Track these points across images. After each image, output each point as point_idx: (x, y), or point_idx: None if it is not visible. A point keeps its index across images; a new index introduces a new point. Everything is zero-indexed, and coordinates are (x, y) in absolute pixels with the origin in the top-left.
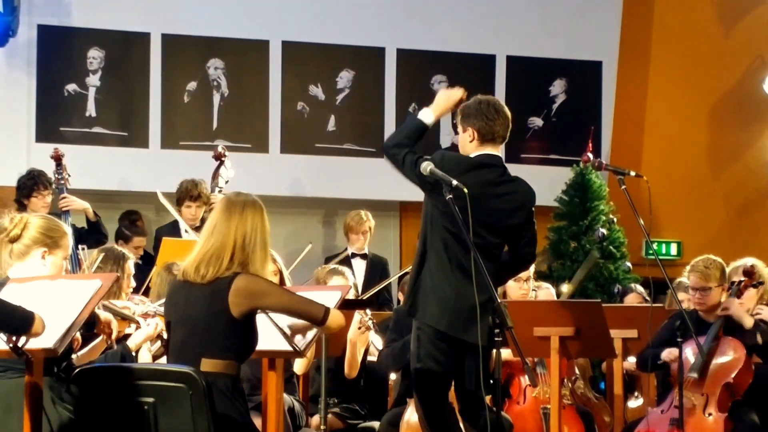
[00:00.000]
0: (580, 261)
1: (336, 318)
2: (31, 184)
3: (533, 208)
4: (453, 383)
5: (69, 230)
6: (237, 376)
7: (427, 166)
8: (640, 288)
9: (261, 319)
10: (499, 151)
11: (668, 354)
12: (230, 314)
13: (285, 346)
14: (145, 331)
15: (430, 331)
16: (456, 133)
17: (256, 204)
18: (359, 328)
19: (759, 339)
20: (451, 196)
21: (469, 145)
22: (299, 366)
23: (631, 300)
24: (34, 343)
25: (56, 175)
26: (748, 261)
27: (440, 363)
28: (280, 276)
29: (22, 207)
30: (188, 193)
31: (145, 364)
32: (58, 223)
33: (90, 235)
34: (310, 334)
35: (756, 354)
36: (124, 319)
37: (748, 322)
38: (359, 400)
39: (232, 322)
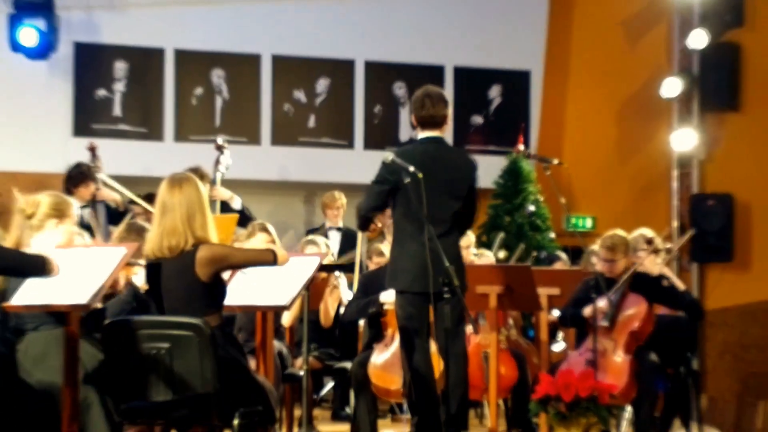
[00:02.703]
0: (512, 232)
1: (282, 255)
2: (81, 177)
3: (474, 181)
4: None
5: (74, 201)
6: (223, 323)
7: (389, 156)
8: (564, 256)
9: (251, 279)
10: (441, 132)
11: (589, 311)
12: (200, 281)
13: (274, 303)
14: None
15: (405, 294)
16: (413, 128)
17: (190, 179)
18: (327, 286)
19: (665, 283)
20: (409, 179)
21: (418, 131)
22: (286, 319)
23: (559, 266)
24: (72, 300)
25: (91, 164)
26: (646, 232)
27: (414, 317)
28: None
29: (69, 193)
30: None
31: (161, 317)
32: (64, 198)
33: (121, 218)
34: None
35: (660, 302)
36: (129, 264)
37: (655, 270)
38: (334, 346)
39: (203, 287)
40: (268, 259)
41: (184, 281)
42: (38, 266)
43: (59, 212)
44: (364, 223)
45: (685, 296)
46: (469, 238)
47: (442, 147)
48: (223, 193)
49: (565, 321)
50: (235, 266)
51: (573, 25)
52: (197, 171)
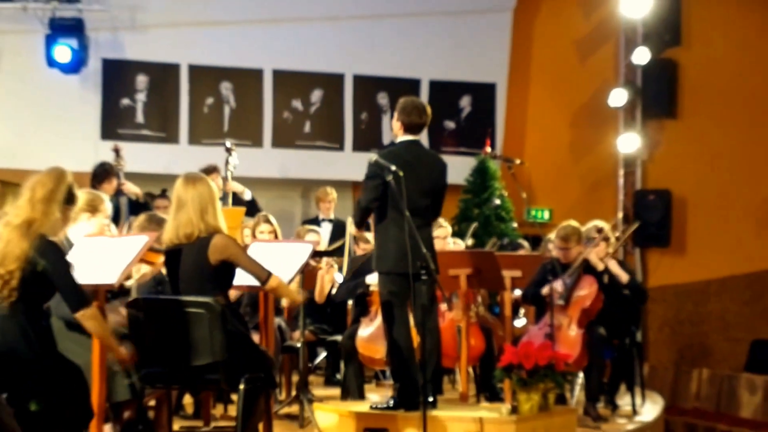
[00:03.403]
0: (480, 223)
1: (274, 282)
2: (105, 174)
3: (444, 179)
4: (411, 306)
5: (106, 197)
6: (228, 302)
7: (373, 157)
8: (526, 244)
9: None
10: (419, 137)
11: (547, 290)
12: (210, 265)
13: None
14: None
15: (387, 274)
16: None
17: (203, 178)
18: (322, 266)
19: (605, 279)
20: (391, 177)
21: (398, 132)
22: (285, 298)
23: (522, 252)
24: (102, 281)
25: (115, 162)
26: (598, 223)
27: (396, 294)
28: (275, 234)
29: (95, 189)
30: (208, 172)
31: (178, 297)
32: (97, 195)
33: (141, 209)
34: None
35: (603, 292)
36: (157, 251)
37: (600, 266)
38: (327, 321)
39: (213, 270)
40: (262, 277)
41: (197, 264)
42: (80, 303)
43: (92, 207)
44: (364, 214)
45: (630, 283)
46: (446, 230)
47: (420, 149)
48: (235, 187)
49: (527, 299)
50: (238, 266)
51: (533, 43)
52: (212, 167)
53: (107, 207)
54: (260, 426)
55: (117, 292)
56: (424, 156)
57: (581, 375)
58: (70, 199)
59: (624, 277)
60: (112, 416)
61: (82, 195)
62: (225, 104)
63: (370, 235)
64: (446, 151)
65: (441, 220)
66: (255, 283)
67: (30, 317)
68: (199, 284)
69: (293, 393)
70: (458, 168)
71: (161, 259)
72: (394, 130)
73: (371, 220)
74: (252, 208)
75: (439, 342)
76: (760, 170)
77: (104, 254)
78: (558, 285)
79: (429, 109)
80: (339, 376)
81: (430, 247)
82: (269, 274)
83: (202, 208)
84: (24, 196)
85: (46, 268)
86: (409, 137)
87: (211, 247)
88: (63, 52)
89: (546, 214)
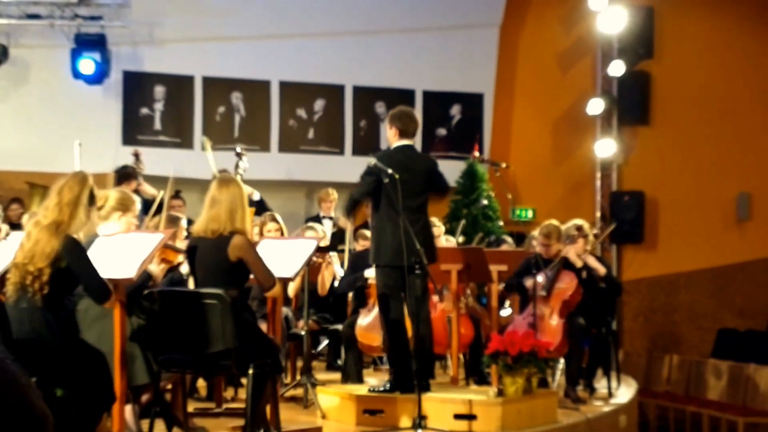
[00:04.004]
0: (469, 222)
1: (276, 290)
2: (126, 177)
3: (437, 170)
4: (406, 298)
5: (137, 199)
6: (240, 295)
7: (372, 161)
8: (510, 240)
9: (265, 256)
10: (412, 142)
11: (530, 282)
12: (229, 260)
13: (281, 276)
14: None
15: (383, 268)
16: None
17: (236, 181)
18: (323, 262)
19: (584, 275)
20: (387, 180)
21: (393, 138)
22: (290, 289)
23: (505, 248)
24: (122, 275)
25: (135, 166)
26: (577, 221)
27: (391, 287)
28: (281, 232)
29: None
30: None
31: (192, 289)
32: (128, 195)
33: (157, 210)
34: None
35: (582, 286)
36: (176, 251)
37: (578, 263)
38: (329, 311)
39: (231, 265)
40: (269, 283)
41: (216, 258)
42: (103, 295)
43: (123, 206)
44: (353, 205)
45: (606, 276)
46: (440, 229)
47: (413, 152)
48: (244, 189)
49: (511, 288)
50: (248, 265)
51: (518, 57)
52: (224, 171)
53: (137, 207)
54: (267, 407)
55: (143, 286)
56: (416, 158)
57: (562, 361)
58: (92, 200)
59: (602, 270)
60: (131, 399)
61: (113, 194)
62: (235, 113)
63: (368, 233)
64: (437, 155)
65: (435, 220)
66: None
67: (54, 309)
68: (215, 277)
69: (298, 377)
70: (449, 171)
71: (180, 258)
72: (389, 138)
73: (369, 219)
74: (261, 208)
75: (431, 330)
76: (725, 172)
77: (122, 250)
78: (540, 278)
79: (418, 116)
80: (340, 362)
81: (426, 240)
82: (274, 283)
83: (233, 209)
84: (52, 199)
85: (71, 264)
86: (404, 142)
87: (232, 245)
88: (87, 64)
89: (530, 214)
